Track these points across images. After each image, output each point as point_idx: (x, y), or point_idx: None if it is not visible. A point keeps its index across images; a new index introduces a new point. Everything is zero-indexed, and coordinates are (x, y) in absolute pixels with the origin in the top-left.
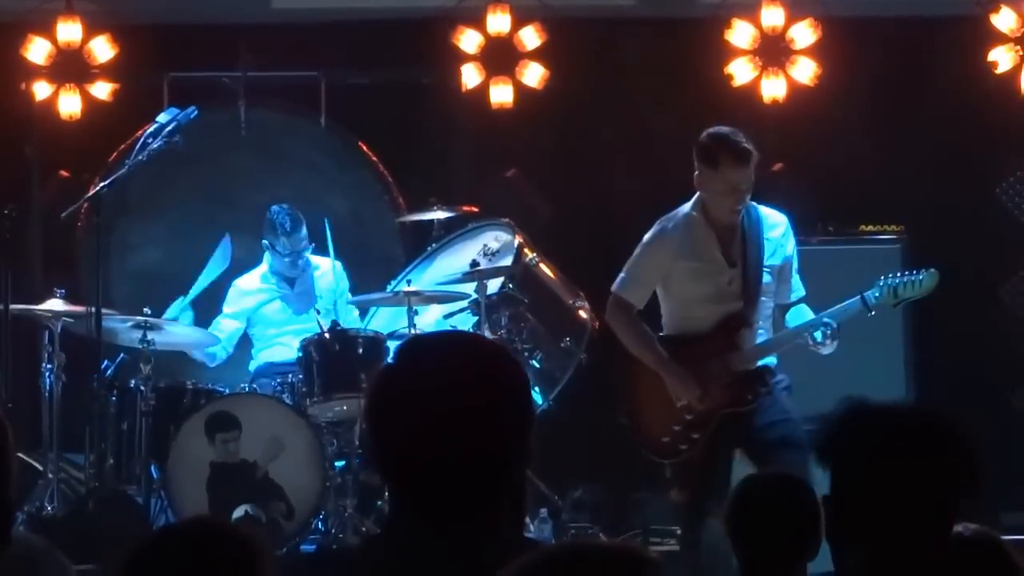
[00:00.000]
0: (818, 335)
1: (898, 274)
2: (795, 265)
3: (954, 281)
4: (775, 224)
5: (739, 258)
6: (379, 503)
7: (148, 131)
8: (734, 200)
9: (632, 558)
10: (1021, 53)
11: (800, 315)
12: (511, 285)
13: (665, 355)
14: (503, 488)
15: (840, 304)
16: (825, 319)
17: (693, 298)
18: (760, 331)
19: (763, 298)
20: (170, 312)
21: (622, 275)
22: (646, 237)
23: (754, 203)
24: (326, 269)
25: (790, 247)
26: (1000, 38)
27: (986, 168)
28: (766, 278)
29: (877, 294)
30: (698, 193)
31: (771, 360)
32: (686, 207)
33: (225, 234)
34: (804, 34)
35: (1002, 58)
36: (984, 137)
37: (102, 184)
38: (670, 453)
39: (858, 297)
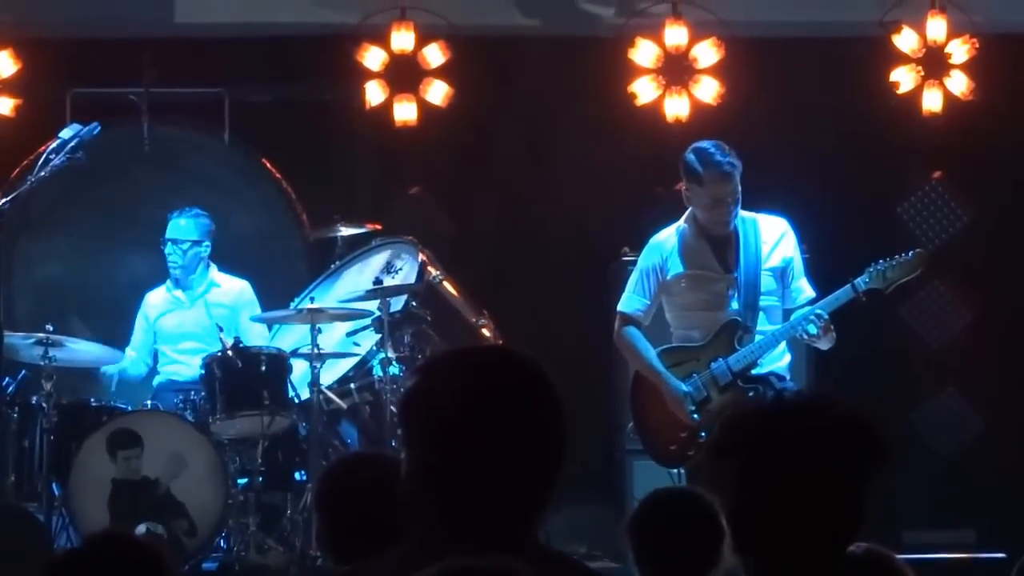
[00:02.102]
0: (811, 328)
1: (886, 259)
2: (799, 268)
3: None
4: (772, 229)
5: (735, 265)
6: (283, 520)
7: (50, 147)
8: (722, 212)
9: None
10: (922, 73)
11: None
12: (414, 303)
13: (658, 367)
14: (546, 499)
15: (831, 294)
16: (816, 311)
17: (691, 306)
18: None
19: (768, 303)
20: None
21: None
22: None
23: (750, 212)
24: (229, 288)
25: (789, 250)
26: (902, 59)
27: (888, 188)
28: (769, 283)
29: (867, 279)
30: (689, 208)
31: (781, 367)
32: (679, 221)
33: None
34: (707, 53)
35: (904, 78)
36: (886, 157)
37: (3, 200)
38: (679, 460)
39: (848, 285)
